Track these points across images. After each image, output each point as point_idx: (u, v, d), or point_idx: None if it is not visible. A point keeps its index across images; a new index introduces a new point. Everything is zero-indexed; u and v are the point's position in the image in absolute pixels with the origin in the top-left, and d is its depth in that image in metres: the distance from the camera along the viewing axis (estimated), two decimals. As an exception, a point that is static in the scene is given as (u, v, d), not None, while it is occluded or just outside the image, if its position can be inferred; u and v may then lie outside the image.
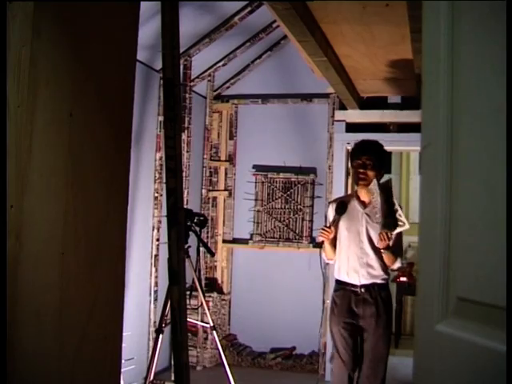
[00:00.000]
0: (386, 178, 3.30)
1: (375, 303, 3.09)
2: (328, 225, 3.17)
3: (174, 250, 1.74)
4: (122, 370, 2.04)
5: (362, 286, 3.10)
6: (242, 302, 5.13)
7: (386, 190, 3.01)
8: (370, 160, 3.11)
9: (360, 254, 3.11)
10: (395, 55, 3.57)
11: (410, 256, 6.23)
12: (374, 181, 3.05)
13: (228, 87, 5.26)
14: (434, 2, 0.98)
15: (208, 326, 3.73)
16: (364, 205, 3.17)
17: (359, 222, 3.13)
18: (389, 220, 2.95)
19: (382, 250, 3.02)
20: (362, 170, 3.12)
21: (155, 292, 4.30)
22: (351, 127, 4.86)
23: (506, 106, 0.77)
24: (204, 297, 3.65)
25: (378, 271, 3.10)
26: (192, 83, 4.69)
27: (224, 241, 5.17)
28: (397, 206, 3.03)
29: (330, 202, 3.46)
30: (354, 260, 3.12)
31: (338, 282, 3.21)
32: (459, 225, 0.89)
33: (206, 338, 4.76)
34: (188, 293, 3.45)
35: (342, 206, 3.15)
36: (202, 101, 5.04)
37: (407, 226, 2.97)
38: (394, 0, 2.66)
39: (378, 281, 3.11)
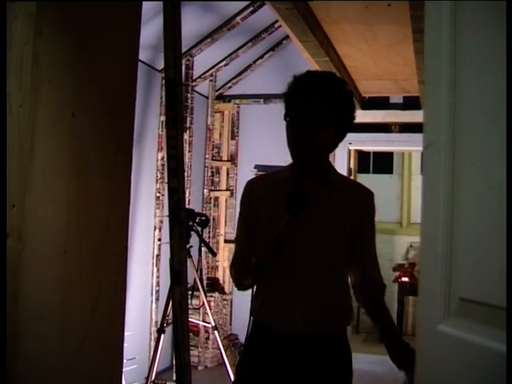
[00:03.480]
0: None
1: (321, 366, 1.65)
2: (276, 234, 1.55)
3: (176, 250, 1.74)
4: (124, 370, 2.05)
5: (299, 335, 1.64)
6: (243, 302, 5.08)
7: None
8: (321, 105, 1.63)
9: (299, 279, 1.65)
10: (397, 55, 3.57)
11: (411, 256, 6.23)
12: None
13: (230, 87, 5.26)
14: (436, 1, 0.98)
15: (209, 325, 3.74)
16: (309, 188, 1.65)
17: (301, 222, 1.60)
18: None
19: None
20: (304, 127, 1.63)
21: (157, 292, 4.30)
22: (353, 127, 4.84)
23: (507, 105, 0.76)
24: (206, 297, 3.66)
25: (330, 310, 1.68)
26: (194, 83, 4.69)
27: (226, 240, 5.17)
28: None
29: (249, 183, 1.86)
30: (286, 289, 1.67)
31: (255, 324, 1.72)
32: (461, 225, 0.88)
33: (207, 338, 4.76)
34: (190, 293, 3.45)
35: (299, 196, 1.59)
36: (204, 101, 5.04)
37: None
38: (396, 0, 2.66)
39: (331, 327, 1.68)
